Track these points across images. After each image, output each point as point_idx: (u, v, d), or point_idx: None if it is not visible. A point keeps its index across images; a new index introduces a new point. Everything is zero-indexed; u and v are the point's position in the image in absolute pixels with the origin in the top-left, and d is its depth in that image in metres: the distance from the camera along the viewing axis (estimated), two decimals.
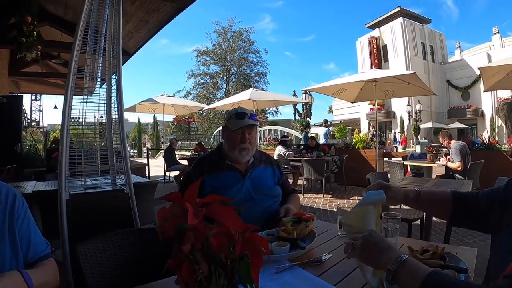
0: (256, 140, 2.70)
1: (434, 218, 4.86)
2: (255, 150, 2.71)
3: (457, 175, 7.30)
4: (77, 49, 3.29)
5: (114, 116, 3.60)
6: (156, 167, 15.55)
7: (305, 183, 10.39)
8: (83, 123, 3.57)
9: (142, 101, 13.91)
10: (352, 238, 1.31)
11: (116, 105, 3.54)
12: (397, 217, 1.89)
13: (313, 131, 22.83)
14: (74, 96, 3.31)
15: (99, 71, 3.67)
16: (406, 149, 21.56)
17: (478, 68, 9.32)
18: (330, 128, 24.16)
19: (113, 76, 3.56)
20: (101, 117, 3.71)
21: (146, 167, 12.07)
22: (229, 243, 0.80)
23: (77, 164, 3.41)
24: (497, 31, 39.43)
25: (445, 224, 5.02)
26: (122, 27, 3.62)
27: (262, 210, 2.46)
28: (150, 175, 12.50)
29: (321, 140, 17.13)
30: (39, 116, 43.05)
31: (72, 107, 3.29)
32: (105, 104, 3.60)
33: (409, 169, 9.41)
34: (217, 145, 2.85)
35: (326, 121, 21.58)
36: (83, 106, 3.43)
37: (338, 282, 1.52)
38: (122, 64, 3.61)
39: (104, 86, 3.62)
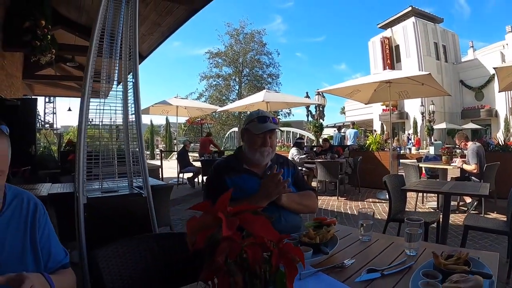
0: (276, 143, 2.69)
1: (450, 221, 4.83)
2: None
3: (472, 177, 7.24)
4: (93, 53, 3.30)
5: (131, 118, 3.60)
6: (169, 168, 15.61)
7: (319, 185, 10.40)
8: (100, 125, 3.58)
9: (156, 103, 13.98)
10: None
11: (133, 107, 3.55)
12: (419, 221, 1.89)
13: (325, 133, 22.85)
14: (91, 99, 3.33)
15: (116, 74, 3.67)
16: (420, 151, 21.42)
17: (494, 68, 9.24)
18: (343, 129, 24.11)
19: (130, 79, 3.55)
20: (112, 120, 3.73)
21: (160, 169, 12.13)
22: (264, 253, 0.78)
23: (94, 166, 3.42)
24: (510, 30, 38.91)
25: (461, 227, 4.98)
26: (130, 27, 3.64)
27: (279, 216, 2.43)
28: (164, 176, 12.54)
29: (349, 142, 17.54)
30: (53, 118, 43.41)
31: (90, 110, 3.31)
32: (122, 106, 3.61)
33: (423, 171, 9.33)
34: (236, 149, 2.83)
35: (353, 123, 21.80)
36: (99, 109, 3.44)
37: None
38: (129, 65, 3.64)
39: (120, 88, 3.61)
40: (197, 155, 16.84)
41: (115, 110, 3.59)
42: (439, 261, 1.57)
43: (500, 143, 9.98)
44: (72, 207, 3.34)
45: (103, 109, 3.48)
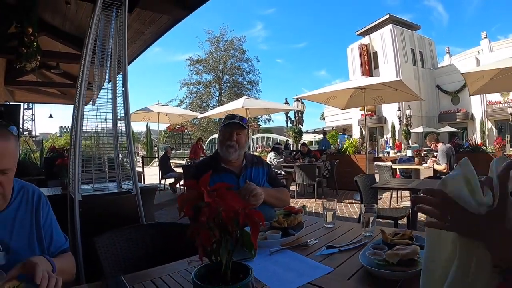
0: (245, 143, 2.95)
1: (419, 217, 5.11)
2: (249, 154, 3.02)
3: (443, 176, 7.57)
4: (88, 62, 3.54)
5: (120, 124, 3.84)
6: (151, 175, 15.74)
7: (297, 188, 10.64)
8: (91, 132, 3.80)
9: (137, 110, 14.07)
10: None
11: (122, 114, 3.79)
12: (374, 208, 2.21)
13: (305, 138, 23.11)
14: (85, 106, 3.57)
15: (106, 81, 3.89)
16: (398, 153, 21.85)
17: (461, 74, 9.61)
18: (321, 135, 24.47)
19: (120, 88, 3.78)
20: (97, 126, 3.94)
21: (142, 175, 12.26)
22: (234, 216, 1.08)
23: (85, 172, 3.65)
24: (485, 36, 39.93)
25: None
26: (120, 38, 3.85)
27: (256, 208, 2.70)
28: (146, 183, 12.65)
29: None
30: (32, 125, 42.81)
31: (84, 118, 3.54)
32: (112, 114, 3.83)
33: (398, 172, 9.69)
34: (214, 152, 3.11)
35: (345, 129, 22.17)
36: (91, 116, 3.68)
37: (322, 260, 1.80)
38: (118, 74, 3.83)
39: (110, 97, 3.83)
40: (177, 161, 16.98)
41: (106, 117, 3.81)
42: (386, 237, 1.87)
43: (472, 144, 10.43)
44: (63, 208, 3.61)
45: (97, 116, 3.71)
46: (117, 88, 3.77)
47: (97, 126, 3.84)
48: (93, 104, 3.81)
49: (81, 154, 3.49)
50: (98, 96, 3.87)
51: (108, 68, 3.87)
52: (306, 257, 1.86)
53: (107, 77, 3.89)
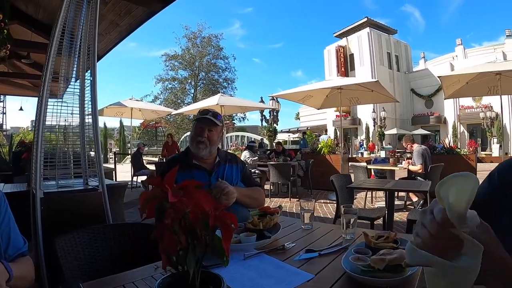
0: (218, 140, 2.82)
1: (397, 218, 5.06)
2: (222, 151, 2.88)
3: (418, 177, 7.61)
4: (53, 51, 3.34)
5: (88, 119, 3.64)
6: (123, 172, 15.46)
7: (272, 188, 10.58)
8: (57, 126, 3.58)
9: (110, 105, 13.69)
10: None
11: (90, 108, 3.59)
12: (355, 209, 2.09)
13: (280, 137, 23.17)
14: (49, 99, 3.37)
15: (74, 73, 3.69)
16: (372, 154, 22.09)
17: (438, 77, 9.72)
18: (297, 134, 24.62)
19: (88, 78, 3.59)
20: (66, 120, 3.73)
21: (113, 172, 11.99)
22: (203, 218, 0.93)
23: (49, 167, 3.44)
24: (460, 43, 41.09)
25: (405, 222, 5.23)
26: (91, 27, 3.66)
27: (228, 207, 2.56)
28: (117, 180, 12.39)
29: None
30: (2, 118, 41.69)
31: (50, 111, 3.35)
32: (79, 107, 3.62)
33: (373, 173, 9.69)
34: (186, 148, 2.97)
35: (326, 129, 22.37)
36: (57, 109, 3.46)
37: (301, 266, 1.67)
38: (87, 65, 3.65)
39: (77, 88, 3.64)
40: (150, 158, 16.70)
41: (72, 110, 3.60)
42: (369, 240, 1.75)
43: (446, 146, 10.54)
44: (26, 206, 3.39)
45: (62, 109, 3.50)
46: (86, 79, 3.57)
47: (65, 120, 3.62)
48: (60, 97, 3.60)
49: (43, 148, 3.29)
50: (66, 88, 3.67)
51: (76, 59, 3.66)
52: (284, 262, 1.73)
53: (74, 69, 3.68)
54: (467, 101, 35.84)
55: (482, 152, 26.81)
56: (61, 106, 3.49)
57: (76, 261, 1.96)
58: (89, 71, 3.58)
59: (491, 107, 32.78)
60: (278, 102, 19.17)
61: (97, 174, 3.52)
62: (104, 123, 39.33)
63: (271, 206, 2.35)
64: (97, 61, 8.59)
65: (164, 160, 12.66)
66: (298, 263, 1.71)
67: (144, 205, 0.96)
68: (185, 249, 0.93)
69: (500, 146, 28.31)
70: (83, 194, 3.44)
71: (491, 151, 30.75)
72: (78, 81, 3.65)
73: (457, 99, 33.81)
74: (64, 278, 1.83)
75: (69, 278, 1.84)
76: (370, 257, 1.51)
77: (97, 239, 2.11)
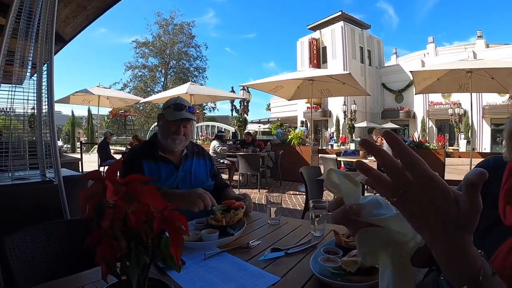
0: (191, 133, 2.68)
1: None
2: (189, 143, 2.72)
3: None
4: (8, 32, 3.12)
5: (45, 106, 3.42)
6: (90, 162, 15.15)
7: (241, 178, 10.55)
8: (11, 114, 3.38)
9: (76, 92, 13.23)
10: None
11: (46, 95, 3.37)
12: (324, 203, 1.97)
13: (250, 128, 23.10)
14: (2, 84, 3.15)
15: (31, 57, 3.47)
16: (342, 147, 22.29)
17: (410, 71, 9.78)
18: (267, 125, 24.64)
19: (45, 64, 3.37)
20: (33, 108, 3.51)
21: (80, 162, 11.65)
22: (148, 220, 0.79)
23: (4, 158, 3.24)
24: (432, 41, 41.83)
25: None
26: (59, 11, 3.44)
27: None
28: (84, 170, 12.05)
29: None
30: None
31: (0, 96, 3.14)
32: (35, 94, 3.41)
33: (342, 165, 9.69)
34: (150, 136, 2.80)
35: (303, 122, 22.35)
36: (11, 95, 3.25)
37: (266, 266, 1.55)
38: (58, 51, 3.46)
39: (34, 74, 3.42)
40: (119, 148, 16.32)
41: (28, 97, 3.38)
42: (340, 238, 1.64)
43: (415, 140, 10.62)
44: None
45: (15, 96, 3.29)
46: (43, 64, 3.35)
47: (25, 108, 3.42)
48: (17, 82, 3.38)
49: None
50: (24, 73, 3.45)
51: (33, 42, 3.43)
52: (248, 262, 1.60)
53: (31, 52, 3.45)
54: (436, 97, 36.60)
55: (449, 147, 27.38)
56: (14, 93, 3.27)
57: (28, 261, 1.76)
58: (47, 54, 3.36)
59: (460, 104, 33.38)
60: (249, 92, 19.08)
61: (53, 165, 3.31)
62: (72, 111, 38.64)
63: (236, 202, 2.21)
64: (64, 46, 8.35)
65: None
66: (263, 263, 1.59)
67: (84, 204, 0.81)
68: (127, 255, 0.79)
69: (468, 142, 29.07)
70: (39, 187, 3.24)
71: (458, 146, 31.43)
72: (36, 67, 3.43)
73: (427, 95, 34.52)
74: (16, 281, 1.65)
75: (21, 282, 1.66)
76: (341, 258, 1.40)
77: (51, 236, 1.92)
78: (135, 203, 0.79)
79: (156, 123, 3.36)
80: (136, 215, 0.77)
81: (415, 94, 11.45)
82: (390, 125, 37.90)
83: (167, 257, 0.82)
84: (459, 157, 11.28)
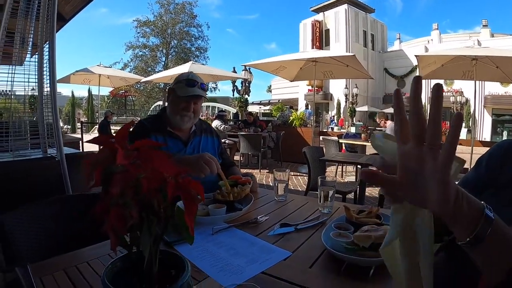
0: (200, 109, 2.63)
1: (369, 194, 4.98)
2: (197, 120, 2.67)
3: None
4: (7, 12, 3.05)
5: (46, 87, 3.36)
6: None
7: (242, 158, 10.58)
8: (12, 95, 3.34)
9: (77, 71, 13.10)
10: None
11: (48, 74, 3.30)
12: (332, 181, 1.93)
13: (251, 109, 23.07)
14: (1, 66, 3.09)
15: (31, 37, 3.39)
16: (342, 130, 22.29)
17: (416, 55, 9.65)
18: (268, 106, 24.61)
19: (46, 44, 3.30)
20: (33, 89, 3.46)
21: (80, 142, 11.60)
22: (161, 186, 0.73)
23: (4, 139, 3.22)
24: (436, 27, 41.41)
25: (377, 197, 5.17)
26: None
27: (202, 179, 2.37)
28: (85, 150, 12.01)
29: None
30: None
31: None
32: (36, 74, 3.35)
33: (343, 147, 9.69)
34: (159, 110, 2.73)
35: (307, 104, 22.34)
36: (11, 76, 3.19)
37: (276, 241, 1.54)
38: (58, 30, 3.37)
39: (35, 54, 3.36)
40: (119, 128, 16.19)
41: (29, 78, 3.32)
42: (350, 214, 1.62)
43: None
44: None
45: (15, 77, 3.24)
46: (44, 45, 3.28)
47: (25, 88, 3.38)
48: (17, 63, 3.31)
49: None
50: (24, 53, 3.40)
51: (34, 21, 3.35)
52: (257, 237, 1.59)
53: (31, 32, 3.37)
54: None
55: None
56: (13, 73, 3.21)
57: (28, 239, 1.73)
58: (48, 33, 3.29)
59: (462, 92, 33.23)
60: (250, 73, 18.99)
61: (55, 142, 3.27)
62: (72, 92, 38.48)
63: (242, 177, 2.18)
64: (64, 25, 8.20)
65: None
66: (272, 238, 1.58)
67: (91, 170, 0.74)
68: (138, 226, 0.73)
69: (469, 130, 28.95)
70: (40, 163, 3.20)
71: None
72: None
73: (429, 81, 34.35)
74: (14, 258, 1.62)
75: (20, 258, 1.63)
76: (353, 234, 1.38)
77: (53, 213, 1.88)
78: (147, 169, 0.73)
79: (156, 103, 3.29)
80: (148, 180, 0.71)
81: None
82: (391, 110, 37.65)
83: (182, 227, 0.77)
84: (460, 144, 11.26)
